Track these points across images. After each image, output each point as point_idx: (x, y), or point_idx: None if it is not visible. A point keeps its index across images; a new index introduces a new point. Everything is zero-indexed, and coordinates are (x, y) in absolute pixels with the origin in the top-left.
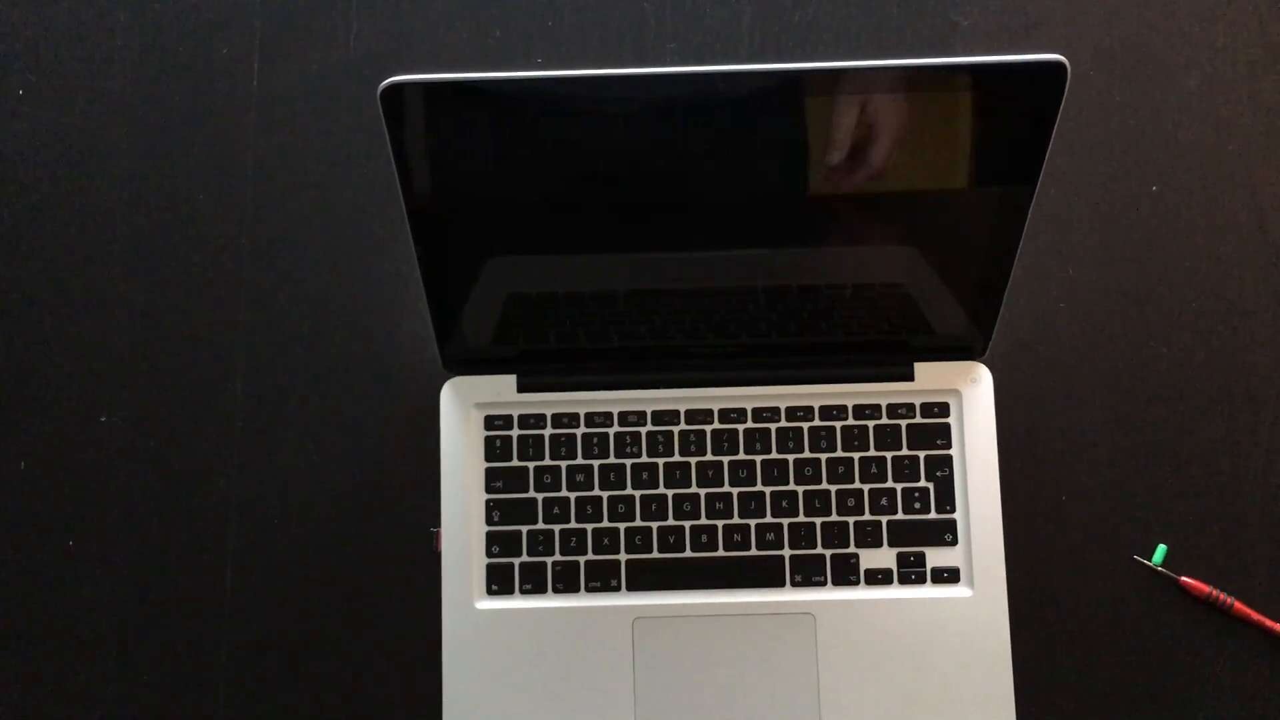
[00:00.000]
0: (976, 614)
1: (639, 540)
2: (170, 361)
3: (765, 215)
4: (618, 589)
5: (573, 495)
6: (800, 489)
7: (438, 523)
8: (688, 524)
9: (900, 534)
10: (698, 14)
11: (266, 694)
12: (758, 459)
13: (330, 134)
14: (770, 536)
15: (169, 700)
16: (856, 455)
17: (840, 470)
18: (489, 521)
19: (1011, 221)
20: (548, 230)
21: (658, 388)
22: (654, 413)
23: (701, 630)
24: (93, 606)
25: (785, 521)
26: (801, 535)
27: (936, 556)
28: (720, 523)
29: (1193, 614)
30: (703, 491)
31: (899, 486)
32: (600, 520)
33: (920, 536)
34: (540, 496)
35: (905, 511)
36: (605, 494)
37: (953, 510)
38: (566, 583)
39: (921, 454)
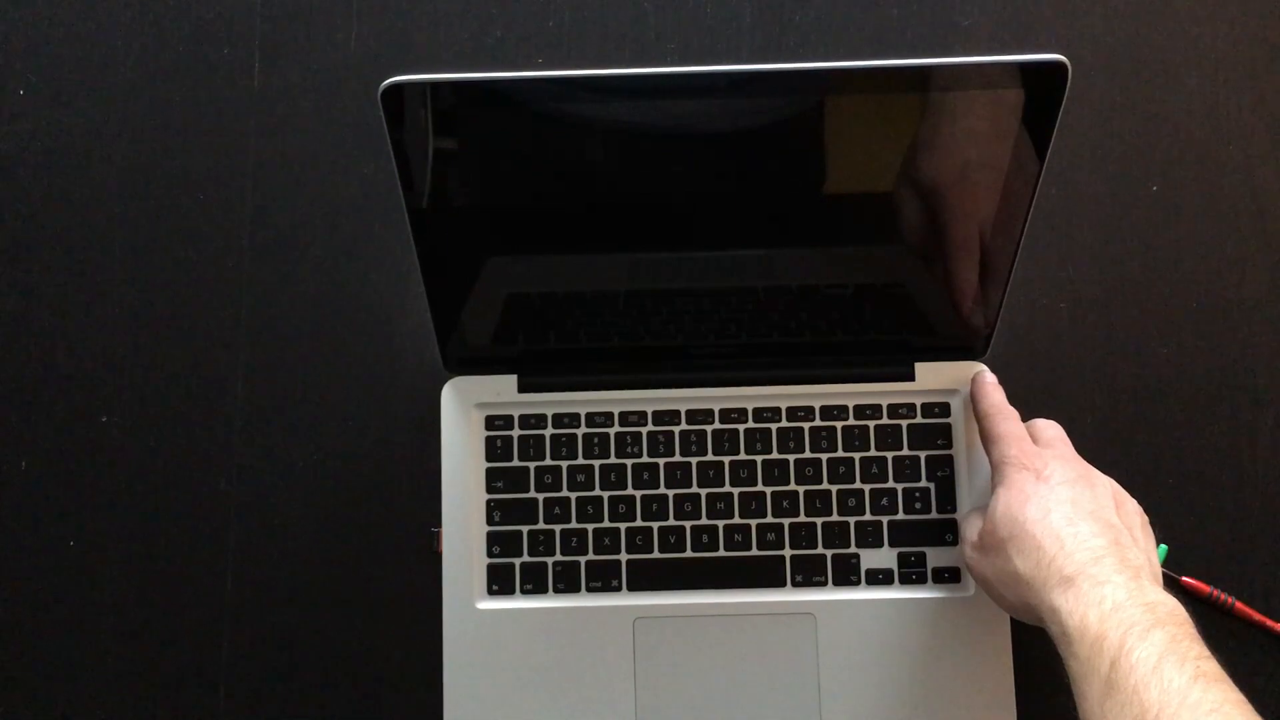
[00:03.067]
0: (977, 614)
1: (640, 540)
2: (170, 361)
3: (765, 215)
4: (618, 589)
5: (573, 495)
6: (801, 489)
7: (438, 523)
8: (688, 524)
9: (901, 534)
10: (698, 14)
11: (266, 694)
12: (758, 459)
13: (330, 134)
14: (771, 536)
15: (169, 700)
16: (857, 455)
17: (841, 470)
18: (490, 521)
19: (1012, 221)
20: (548, 230)
21: (659, 388)
22: (655, 413)
23: (702, 630)
24: (93, 606)
25: (786, 521)
26: (802, 535)
27: (937, 556)
28: (721, 523)
29: (1194, 614)
30: (703, 491)
31: (900, 486)
32: (601, 520)
33: (921, 536)
34: (541, 497)
35: (906, 511)
36: (606, 494)
37: (953, 510)
38: (567, 583)
39: (922, 454)
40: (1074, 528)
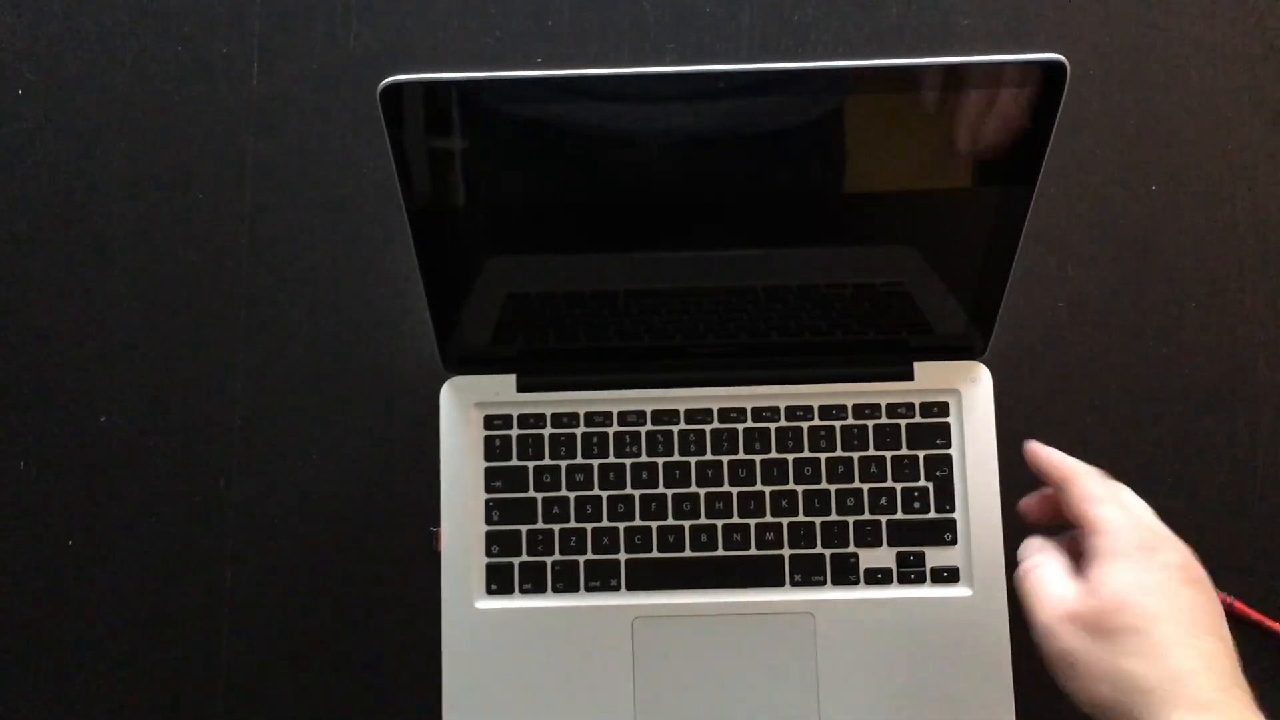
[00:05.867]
0: (976, 613)
1: (638, 540)
2: (170, 361)
3: (765, 214)
4: (617, 589)
5: (572, 495)
6: (800, 488)
7: (437, 522)
8: (687, 523)
9: (900, 533)
10: (697, 14)
11: (266, 694)
12: (757, 458)
13: (330, 134)
14: (770, 536)
15: (169, 700)
16: (856, 455)
17: (840, 470)
18: (489, 521)
19: (1011, 221)
20: (547, 230)
21: (657, 387)
22: (653, 412)
23: (701, 630)
24: (93, 606)
25: (785, 521)
26: (801, 535)
27: (936, 556)
28: (720, 522)
29: None
30: (702, 491)
31: (898, 486)
32: (600, 520)
33: (920, 536)
34: (540, 496)
35: (905, 511)
36: (605, 493)
37: (952, 510)
38: (566, 582)
39: (921, 453)
40: (1208, 643)
